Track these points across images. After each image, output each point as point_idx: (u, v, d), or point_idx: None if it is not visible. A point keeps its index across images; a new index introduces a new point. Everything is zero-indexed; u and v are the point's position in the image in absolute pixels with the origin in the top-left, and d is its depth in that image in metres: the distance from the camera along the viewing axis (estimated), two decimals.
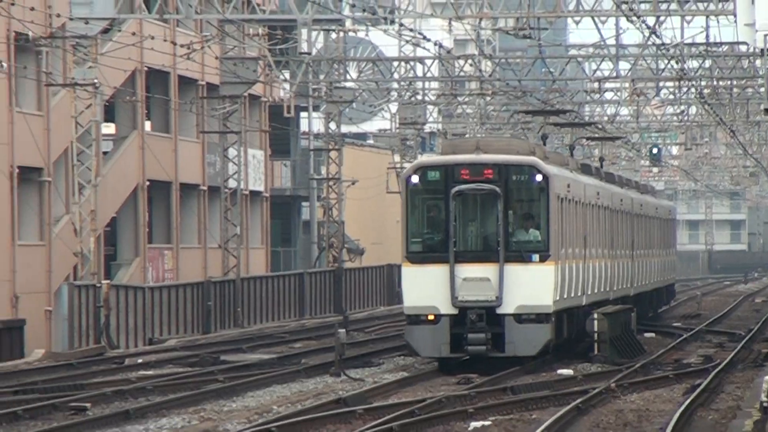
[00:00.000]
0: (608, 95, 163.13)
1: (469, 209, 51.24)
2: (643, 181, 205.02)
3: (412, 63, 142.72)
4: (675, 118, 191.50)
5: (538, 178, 49.71)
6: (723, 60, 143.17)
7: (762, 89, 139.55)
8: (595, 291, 73.35)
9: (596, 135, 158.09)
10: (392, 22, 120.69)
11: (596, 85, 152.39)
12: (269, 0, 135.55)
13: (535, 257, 49.73)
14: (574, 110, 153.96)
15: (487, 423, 54.33)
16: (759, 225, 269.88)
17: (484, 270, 49.72)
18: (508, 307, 48.89)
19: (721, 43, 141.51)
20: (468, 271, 49.35)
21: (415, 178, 50.14)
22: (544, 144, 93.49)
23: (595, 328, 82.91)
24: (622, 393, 64.94)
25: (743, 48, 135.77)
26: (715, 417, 55.13)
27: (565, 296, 57.81)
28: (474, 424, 54.02)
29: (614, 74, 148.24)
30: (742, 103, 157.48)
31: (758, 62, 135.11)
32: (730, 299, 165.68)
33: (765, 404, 52.08)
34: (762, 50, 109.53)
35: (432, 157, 66.77)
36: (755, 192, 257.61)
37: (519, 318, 48.86)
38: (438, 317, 48.67)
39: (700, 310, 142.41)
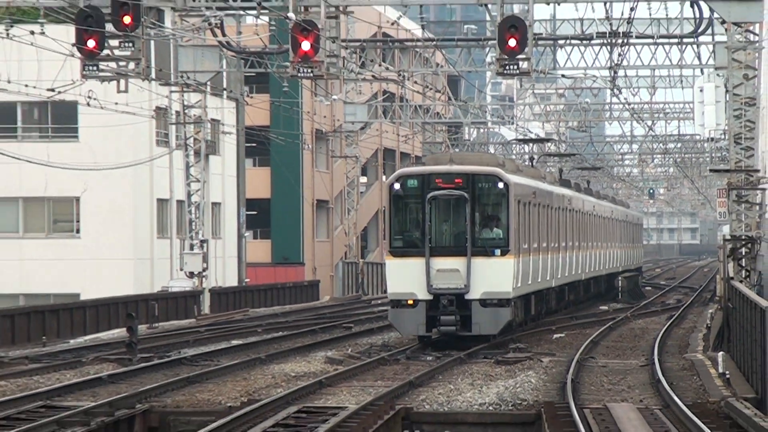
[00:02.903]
0: (627, 160, 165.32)
1: (442, 211, 43.65)
2: (641, 206, 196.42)
3: (522, 145, 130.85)
4: (662, 173, 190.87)
5: (500, 185, 43.35)
6: (689, 143, 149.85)
7: (708, 159, 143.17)
8: (566, 274, 65.27)
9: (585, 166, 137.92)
10: (512, 122, 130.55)
11: (619, 156, 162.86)
12: (447, 109, 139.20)
13: (497, 252, 43.08)
14: (578, 153, 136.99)
15: (562, 335, 59.27)
16: (705, 231, 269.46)
17: (455, 262, 42.72)
18: (474, 294, 42.42)
19: (687, 135, 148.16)
20: (441, 263, 42.58)
21: (396, 185, 44.01)
22: (560, 175, 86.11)
23: (619, 285, 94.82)
24: (633, 319, 71.83)
25: (698, 136, 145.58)
26: (682, 331, 62.94)
27: (529, 282, 50.07)
28: (556, 335, 59.13)
29: (630, 150, 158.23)
30: (698, 165, 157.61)
31: (706, 145, 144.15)
32: (691, 269, 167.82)
33: (708, 324, 59.43)
34: (709, 138, 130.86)
35: (411, 168, 55.13)
36: (704, 213, 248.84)
37: (483, 303, 42.40)
38: (416, 302, 42.40)
39: (675, 275, 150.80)
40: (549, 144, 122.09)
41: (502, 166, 47.38)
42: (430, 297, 42.74)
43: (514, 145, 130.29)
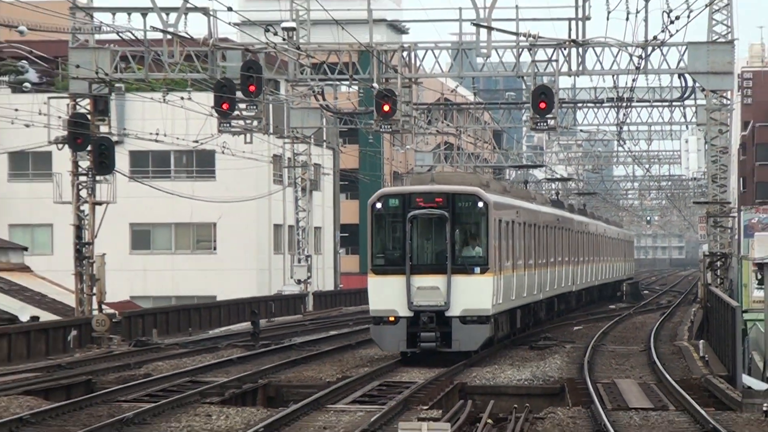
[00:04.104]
0: (630, 194, 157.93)
1: (422, 230, 36.99)
2: (641, 230, 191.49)
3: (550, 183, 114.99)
4: (656, 205, 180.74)
5: (480, 204, 36.95)
6: (677, 181, 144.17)
7: (692, 194, 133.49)
8: (555, 287, 56.41)
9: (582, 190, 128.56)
10: (543, 166, 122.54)
11: (624, 191, 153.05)
12: (492, 156, 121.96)
13: (477, 270, 36.92)
14: (596, 192, 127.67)
15: (580, 327, 57.50)
16: (690, 248, 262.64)
17: (435, 280, 36.44)
18: (454, 311, 36.44)
19: (676, 175, 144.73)
20: (421, 281, 36.37)
21: (378, 205, 37.58)
22: (557, 196, 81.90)
23: (624, 289, 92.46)
24: (635, 315, 69.32)
25: (684, 177, 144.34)
26: (672, 325, 60.69)
27: (512, 298, 43.02)
28: (576, 327, 57.40)
29: (632, 187, 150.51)
30: (684, 199, 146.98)
31: (690, 183, 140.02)
32: (678, 278, 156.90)
33: (692, 319, 57.48)
34: (692, 178, 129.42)
35: (393, 188, 49.31)
36: (688, 234, 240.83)
37: (464, 319, 36.47)
38: (397, 318, 36.42)
39: (666, 282, 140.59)
40: (570, 182, 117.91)
41: (485, 186, 40.60)
42: (411, 314, 36.21)
43: (543, 184, 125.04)
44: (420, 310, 35.76)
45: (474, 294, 36.23)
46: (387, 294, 36.27)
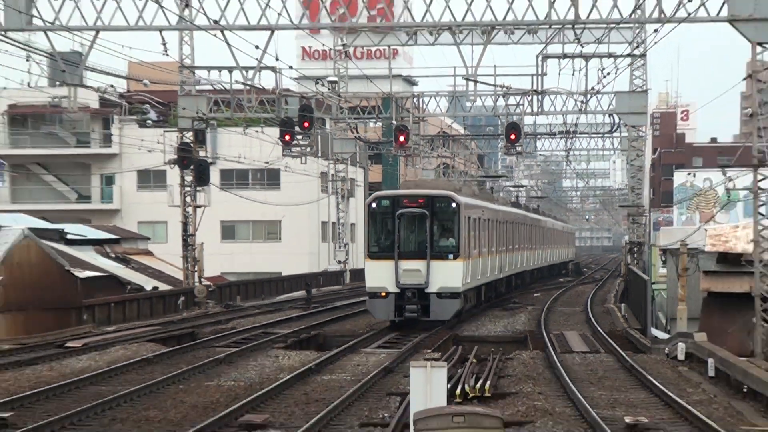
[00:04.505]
0: (574, 200, 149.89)
1: (408, 224, 34.50)
2: (582, 225, 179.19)
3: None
4: (593, 207, 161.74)
5: (453, 204, 34.57)
6: (608, 191, 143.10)
7: (617, 200, 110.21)
8: (513, 269, 51.74)
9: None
10: (513, 179, 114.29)
11: (570, 198, 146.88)
12: (477, 172, 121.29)
13: (451, 256, 34.33)
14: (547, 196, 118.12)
15: (539, 294, 55.58)
16: (616, 238, 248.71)
17: (417, 264, 34.01)
18: (432, 288, 33.98)
19: (607, 187, 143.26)
20: (407, 265, 33.94)
21: (373, 204, 35.19)
22: (517, 199, 78.38)
23: (570, 268, 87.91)
24: (577, 286, 66.58)
25: (612, 188, 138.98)
26: (603, 293, 58.92)
27: (478, 277, 39.64)
28: (536, 294, 55.56)
29: (576, 195, 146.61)
30: (612, 203, 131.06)
31: (616, 192, 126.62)
32: (608, 260, 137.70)
33: (617, 289, 55.69)
34: (618, 189, 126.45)
35: (385, 191, 43.66)
36: (615, 228, 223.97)
37: (439, 295, 33.99)
38: (387, 294, 34.02)
39: (599, 263, 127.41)
40: (527, 189, 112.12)
41: (458, 191, 38.11)
42: (398, 290, 33.92)
43: (510, 190, 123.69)
44: (405, 287, 33.72)
45: (448, 275, 34.05)
46: (379, 275, 34.12)
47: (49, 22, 26.61)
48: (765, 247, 25.63)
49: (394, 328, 33.77)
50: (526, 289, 58.80)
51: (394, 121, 48.14)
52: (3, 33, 26.68)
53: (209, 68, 44.17)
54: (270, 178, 71.25)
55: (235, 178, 70.24)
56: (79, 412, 18.08)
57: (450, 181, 49.21)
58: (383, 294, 33.61)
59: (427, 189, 36.25)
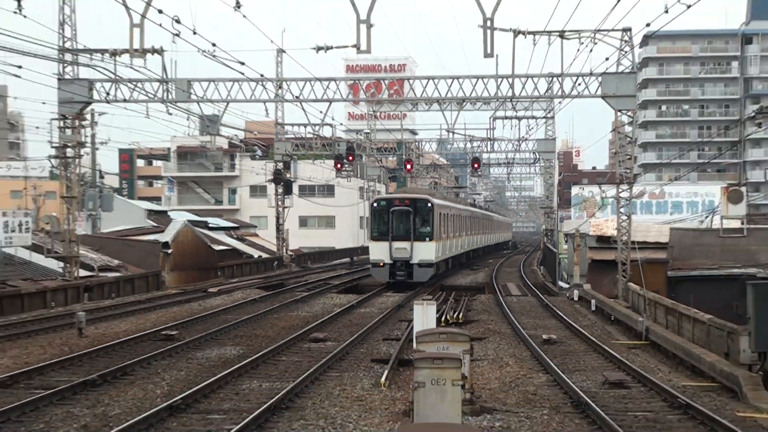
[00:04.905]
0: (512, 204, 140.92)
1: (398, 217, 30.84)
2: (517, 219, 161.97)
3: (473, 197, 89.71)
4: (523, 209, 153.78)
5: (429, 204, 31.09)
6: (534, 199, 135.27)
7: (539, 204, 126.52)
8: (469, 247, 46.42)
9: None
10: (476, 191, 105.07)
11: (510, 202, 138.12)
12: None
13: (427, 239, 30.61)
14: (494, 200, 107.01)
15: (491, 260, 52.74)
16: (538, 227, 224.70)
17: (404, 244, 30.45)
18: (414, 260, 30.47)
19: (534, 196, 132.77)
20: (397, 244, 30.50)
21: (375, 204, 31.81)
22: (474, 201, 71.96)
23: (509, 245, 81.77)
24: (514, 256, 63.69)
25: (537, 197, 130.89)
26: (530, 260, 55.34)
27: (447, 253, 35.66)
28: (489, 261, 52.68)
29: (514, 201, 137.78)
30: (536, 207, 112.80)
31: (538, 200, 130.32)
32: (533, 240, 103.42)
33: (538, 257, 53.49)
34: (539, 197, 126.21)
35: (384, 195, 41.53)
36: (538, 221, 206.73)
37: (420, 265, 30.59)
38: (384, 264, 30.60)
39: (528, 243, 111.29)
40: (485, 196, 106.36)
41: (433, 195, 34.22)
42: (392, 262, 30.78)
43: (473, 197, 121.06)
44: (396, 259, 30.68)
45: (425, 252, 30.88)
46: (379, 251, 30.96)
47: (200, 97, 26.82)
48: (623, 232, 25.35)
49: (389, 287, 31.21)
50: (482, 258, 58.01)
51: (404, 156, 47.72)
52: (173, 103, 26.73)
53: (293, 124, 44.12)
54: (328, 190, 69.62)
55: (307, 190, 68.87)
56: (215, 331, 18.09)
57: (428, 189, 45.70)
58: (381, 264, 30.86)
59: (411, 194, 33.65)
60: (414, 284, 30.74)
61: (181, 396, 10.14)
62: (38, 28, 57.45)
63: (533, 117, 41.48)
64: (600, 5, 25.93)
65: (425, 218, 31.32)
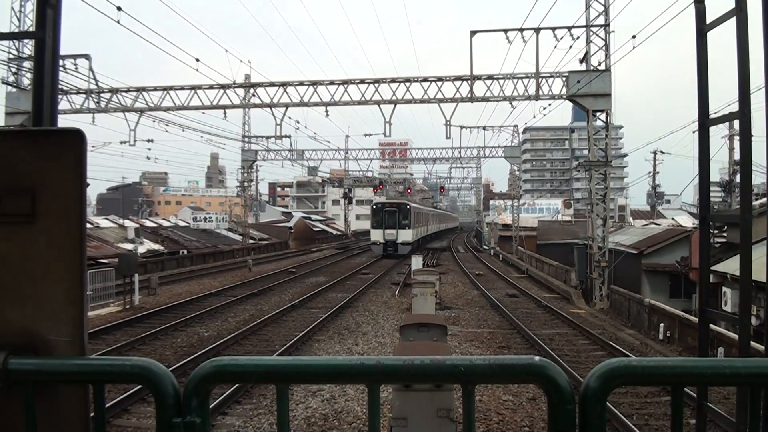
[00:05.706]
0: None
1: (389, 215, 24.91)
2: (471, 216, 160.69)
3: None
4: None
5: (408, 206, 25.22)
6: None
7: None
8: (432, 232, 37.47)
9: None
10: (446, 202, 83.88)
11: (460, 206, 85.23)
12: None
13: (407, 227, 24.77)
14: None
15: (449, 236, 42.86)
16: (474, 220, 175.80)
17: (392, 231, 24.58)
18: (399, 241, 24.58)
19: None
20: (388, 231, 24.55)
21: (374, 206, 25.82)
22: (437, 205, 59.78)
23: (457, 229, 62.08)
24: (460, 234, 52.68)
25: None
26: (470, 236, 42.91)
27: (419, 236, 28.42)
28: (448, 236, 42.21)
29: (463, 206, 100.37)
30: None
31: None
32: (471, 227, 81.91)
33: (474, 234, 44.32)
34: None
35: (379, 200, 28.02)
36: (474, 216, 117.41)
37: (402, 244, 24.58)
38: (379, 243, 24.66)
39: (468, 228, 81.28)
40: (444, 204, 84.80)
41: (411, 201, 29.83)
42: (384, 242, 26.19)
43: (438, 204, 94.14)
44: (387, 241, 26.53)
45: (405, 235, 26.41)
46: (377, 235, 26.69)
47: (312, 161, 26.36)
48: (515, 222, 25.39)
49: (383, 257, 27.81)
50: (442, 236, 52.20)
51: (406, 185, 42.43)
52: (292, 162, 26.20)
53: (354, 170, 41.17)
54: (368, 202, 64.05)
55: (356, 203, 63.97)
56: (315, 270, 17.88)
57: (407, 197, 39.33)
58: (378, 243, 26.91)
59: (397, 200, 29.88)
60: (398, 256, 27.76)
61: (298, 299, 11.10)
62: (231, 125, 56.11)
63: (470, 166, 40.53)
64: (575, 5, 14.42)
65: (406, 214, 27.89)
